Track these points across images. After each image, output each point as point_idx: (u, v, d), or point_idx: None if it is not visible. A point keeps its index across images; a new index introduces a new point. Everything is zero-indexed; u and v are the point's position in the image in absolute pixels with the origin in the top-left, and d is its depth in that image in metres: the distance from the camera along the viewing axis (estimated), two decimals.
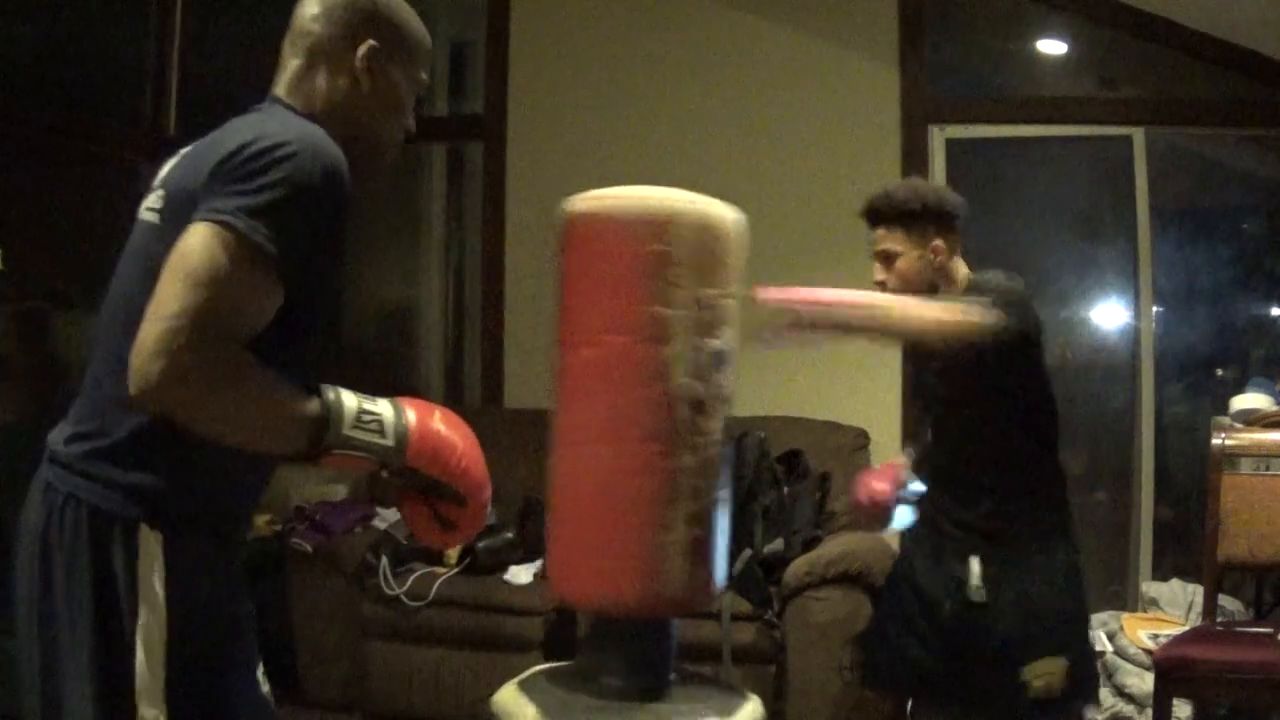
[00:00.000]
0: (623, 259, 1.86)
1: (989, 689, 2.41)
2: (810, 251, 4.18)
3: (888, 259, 2.53)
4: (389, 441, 1.42)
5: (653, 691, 1.90)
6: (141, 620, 1.35)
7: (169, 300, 1.26)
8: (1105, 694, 3.53)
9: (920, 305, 2.22)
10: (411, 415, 1.46)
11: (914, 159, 4.16)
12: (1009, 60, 4.62)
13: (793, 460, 3.73)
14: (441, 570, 3.72)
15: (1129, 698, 3.48)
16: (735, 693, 1.99)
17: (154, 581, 1.36)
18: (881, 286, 2.53)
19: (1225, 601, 3.49)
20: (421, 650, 3.65)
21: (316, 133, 1.41)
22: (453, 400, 4.94)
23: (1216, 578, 3.22)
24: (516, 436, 4.27)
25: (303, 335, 1.44)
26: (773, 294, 2.01)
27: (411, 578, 3.67)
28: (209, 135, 1.48)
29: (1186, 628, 3.41)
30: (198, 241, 1.28)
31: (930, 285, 2.50)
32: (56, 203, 4.44)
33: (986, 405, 2.42)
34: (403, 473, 1.45)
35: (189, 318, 1.24)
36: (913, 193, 2.51)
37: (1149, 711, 3.06)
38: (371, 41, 1.53)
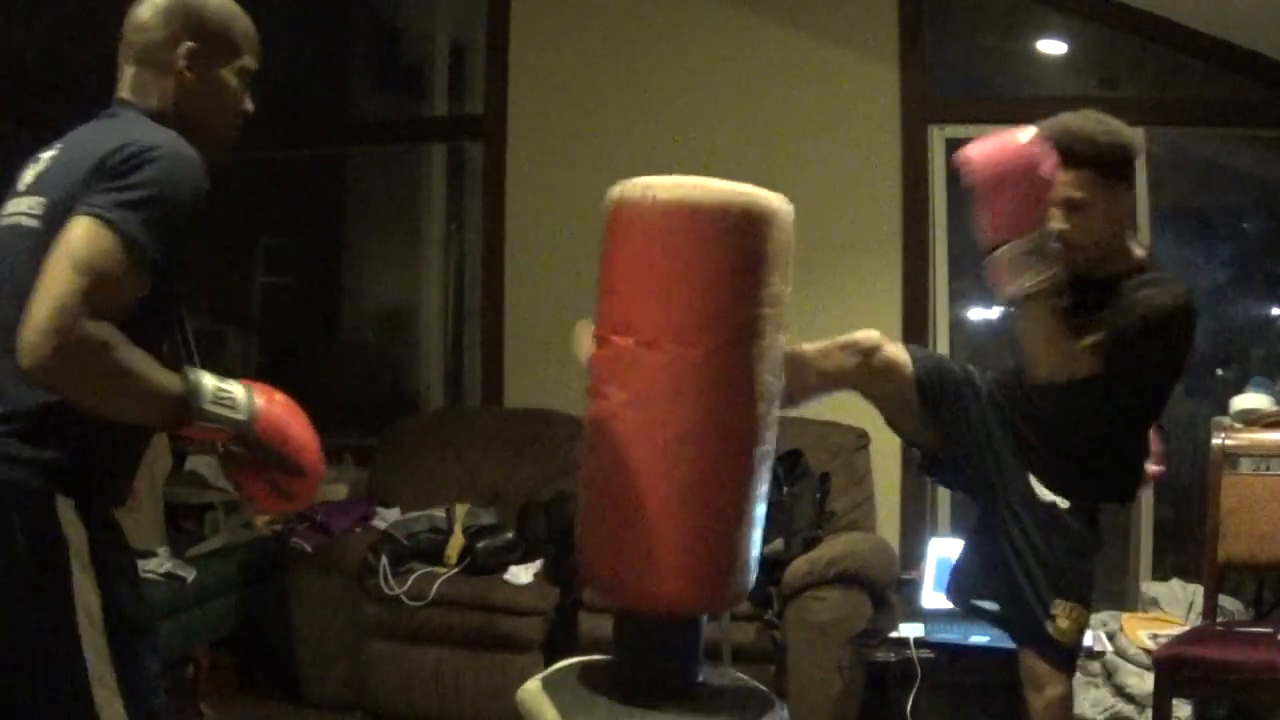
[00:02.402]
0: (724, 255, 1.79)
1: (1026, 604, 2.34)
2: (810, 250, 4.17)
3: (1074, 207, 2.17)
4: (242, 416, 1.57)
5: (679, 692, 1.87)
6: (77, 586, 1.47)
7: (56, 283, 1.39)
8: (1105, 694, 3.53)
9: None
10: (259, 396, 1.61)
11: (914, 159, 4.16)
12: (1009, 60, 4.62)
13: (793, 460, 3.73)
14: (441, 570, 3.72)
15: (1129, 698, 3.48)
16: (760, 696, 1.96)
17: (82, 548, 1.48)
18: (1063, 237, 2.16)
19: (1225, 601, 3.49)
20: (421, 650, 3.65)
21: (176, 136, 1.56)
22: (453, 400, 4.94)
23: (1216, 578, 3.22)
24: (516, 436, 4.28)
25: (160, 319, 1.58)
26: None
27: (411, 578, 3.67)
28: (70, 139, 1.62)
29: (1186, 628, 3.40)
30: (82, 232, 1.43)
31: (1105, 253, 2.22)
32: None
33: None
34: (252, 445, 1.59)
35: (75, 298, 1.38)
36: (1116, 137, 2.18)
37: (1149, 711, 3.06)
38: (189, 43, 1.66)
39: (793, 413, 3.94)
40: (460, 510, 3.89)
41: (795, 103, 4.29)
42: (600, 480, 1.91)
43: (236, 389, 1.58)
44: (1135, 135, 2.25)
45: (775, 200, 1.87)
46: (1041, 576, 2.32)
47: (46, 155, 1.63)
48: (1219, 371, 4.43)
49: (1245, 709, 3.20)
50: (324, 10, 5.33)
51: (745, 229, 1.82)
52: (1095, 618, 3.67)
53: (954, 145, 4.22)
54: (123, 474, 1.64)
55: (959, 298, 4.31)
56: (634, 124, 4.41)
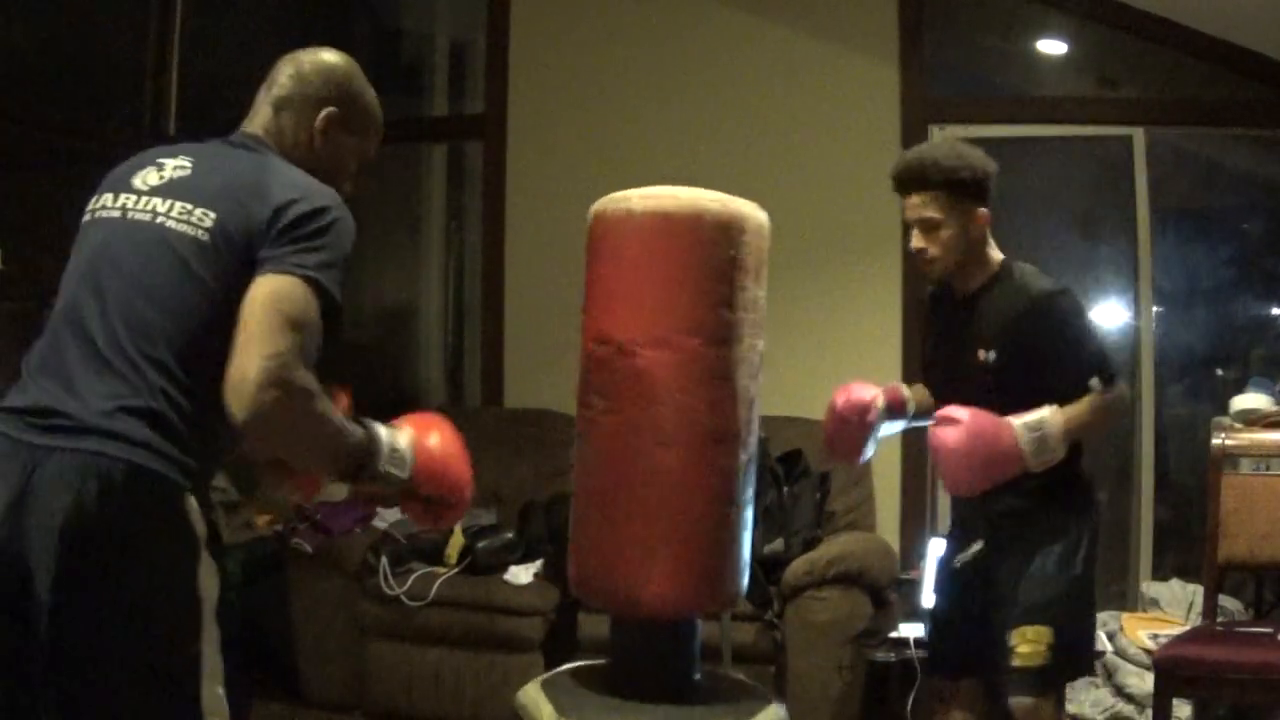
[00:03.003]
0: (697, 262, 1.83)
1: (981, 649, 2.39)
2: (810, 251, 4.18)
3: (930, 226, 2.38)
4: (406, 475, 1.71)
5: (676, 692, 1.89)
6: (201, 577, 1.58)
7: (273, 338, 1.49)
8: (1105, 694, 3.53)
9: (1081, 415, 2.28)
10: (412, 444, 1.74)
11: None
12: (1009, 60, 4.62)
13: (793, 460, 3.73)
14: (441, 570, 3.72)
15: (1129, 698, 3.48)
16: (758, 695, 1.98)
17: (204, 543, 1.59)
18: (922, 254, 2.40)
19: (1225, 601, 3.49)
20: (421, 650, 3.65)
21: (331, 189, 1.68)
22: (453, 400, 4.94)
23: (1216, 578, 3.22)
24: (516, 436, 4.28)
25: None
26: None
27: (411, 578, 3.67)
28: (201, 156, 1.68)
29: (1186, 628, 3.41)
30: (293, 290, 1.55)
31: (964, 258, 2.41)
32: (56, 203, 4.43)
33: (1030, 404, 2.31)
34: (409, 495, 1.76)
35: (291, 355, 1.50)
36: (959, 158, 2.39)
37: (1149, 711, 3.06)
38: (332, 108, 1.78)
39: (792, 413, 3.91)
40: None
41: (795, 103, 4.30)
42: (587, 486, 1.95)
43: (403, 444, 1.71)
44: (986, 162, 2.43)
45: (748, 208, 1.90)
46: (994, 616, 2.37)
47: (171, 163, 1.67)
48: (1219, 371, 4.43)
49: (1245, 709, 3.20)
50: (324, 10, 5.34)
51: (718, 236, 1.87)
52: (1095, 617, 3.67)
53: None
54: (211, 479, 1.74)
55: None
56: (634, 124, 4.42)
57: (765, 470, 3.62)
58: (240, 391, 1.47)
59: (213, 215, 1.60)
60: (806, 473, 3.71)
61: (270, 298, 1.53)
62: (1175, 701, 2.94)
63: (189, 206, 1.61)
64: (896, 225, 4.18)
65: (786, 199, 4.31)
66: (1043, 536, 2.38)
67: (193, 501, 1.57)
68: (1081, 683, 3.57)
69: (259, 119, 1.78)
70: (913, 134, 4.16)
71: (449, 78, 5.15)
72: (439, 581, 3.66)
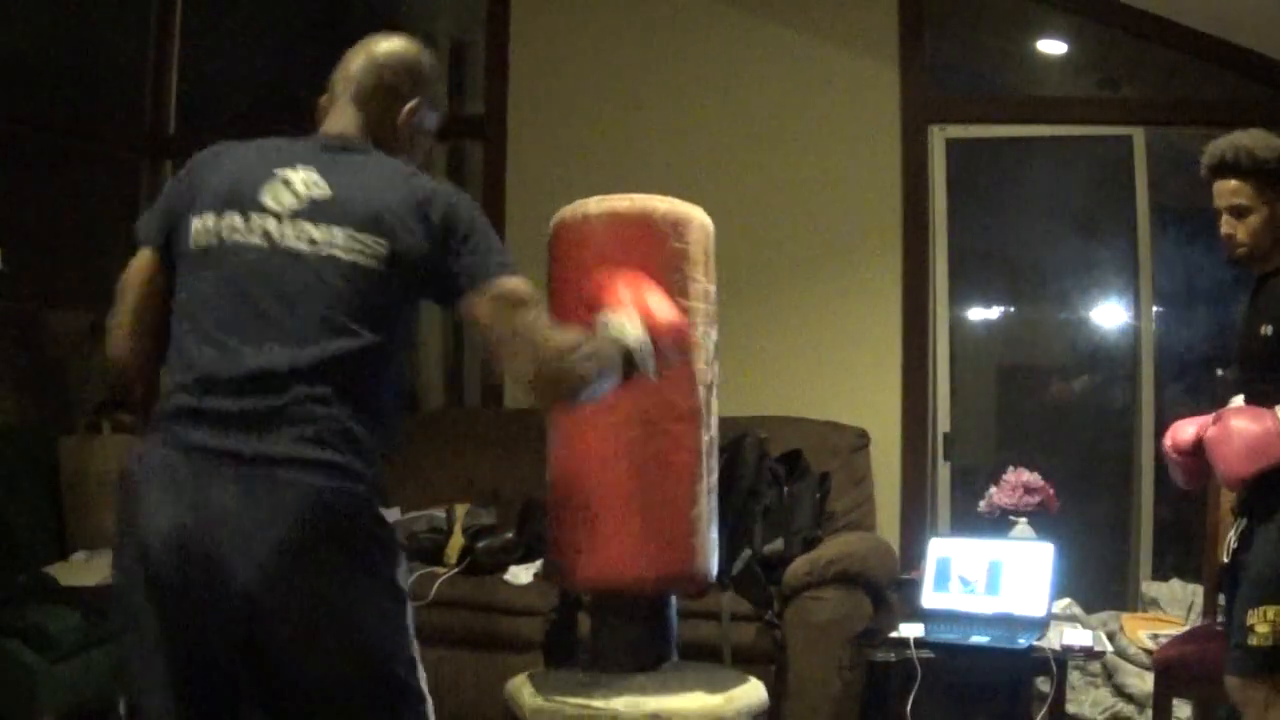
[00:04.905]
0: (647, 255, 1.99)
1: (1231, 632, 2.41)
2: (810, 251, 4.18)
3: (1239, 212, 2.46)
4: (652, 363, 1.76)
5: (650, 668, 1.96)
6: (401, 580, 1.77)
7: (544, 333, 1.65)
8: (1105, 694, 3.54)
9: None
10: (640, 325, 1.78)
11: (914, 159, 4.16)
12: (1009, 60, 4.62)
13: (793, 460, 3.73)
14: (441, 570, 3.72)
15: (1129, 698, 3.48)
16: (734, 675, 2.03)
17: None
18: (1230, 240, 2.49)
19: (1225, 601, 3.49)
20: (421, 650, 3.64)
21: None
22: (453, 400, 4.94)
23: (1216, 578, 3.22)
24: (516, 436, 4.27)
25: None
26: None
27: (411, 578, 3.65)
28: (333, 174, 1.67)
29: (1186, 628, 3.41)
30: (517, 285, 1.67)
31: (1272, 245, 2.48)
32: (56, 203, 4.44)
33: None
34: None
35: (550, 330, 1.67)
36: (1270, 148, 2.44)
37: (1149, 711, 3.07)
38: (414, 100, 1.79)
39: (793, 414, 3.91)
40: (460, 510, 3.89)
41: (795, 103, 4.29)
42: (559, 470, 2.11)
43: (634, 335, 1.75)
44: None
45: (693, 210, 2.10)
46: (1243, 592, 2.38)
47: (298, 178, 1.66)
48: (1219, 371, 4.42)
49: None
50: (324, 10, 5.33)
51: (666, 231, 2.03)
52: (1095, 617, 3.68)
53: (954, 145, 4.26)
54: None
55: (959, 298, 4.31)
56: (633, 124, 4.41)
57: (765, 470, 3.62)
58: (544, 377, 1.62)
59: (387, 245, 1.63)
60: (806, 473, 3.71)
61: (515, 295, 1.65)
62: (1175, 701, 2.94)
63: (352, 232, 1.62)
64: (897, 225, 4.19)
65: (786, 199, 4.34)
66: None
67: (384, 513, 1.68)
68: (1081, 683, 3.57)
69: (344, 117, 1.78)
70: (913, 134, 4.16)
71: (449, 78, 5.14)
72: (439, 581, 3.65)
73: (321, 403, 1.57)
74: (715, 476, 2.05)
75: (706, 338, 2.04)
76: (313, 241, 1.60)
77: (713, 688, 1.91)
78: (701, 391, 2.00)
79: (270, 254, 1.60)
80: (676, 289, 2.02)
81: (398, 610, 1.76)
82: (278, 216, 1.62)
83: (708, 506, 1.99)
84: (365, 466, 1.62)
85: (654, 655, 1.99)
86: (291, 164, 1.66)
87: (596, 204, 2.06)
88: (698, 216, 2.07)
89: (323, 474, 1.56)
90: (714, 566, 2.04)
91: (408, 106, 1.78)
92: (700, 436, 2.00)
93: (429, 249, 1.64)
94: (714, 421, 2.06)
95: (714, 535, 2.05)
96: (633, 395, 1.89)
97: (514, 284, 1.67)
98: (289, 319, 1.58)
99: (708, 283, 2.11)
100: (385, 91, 1.77)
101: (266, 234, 1.61)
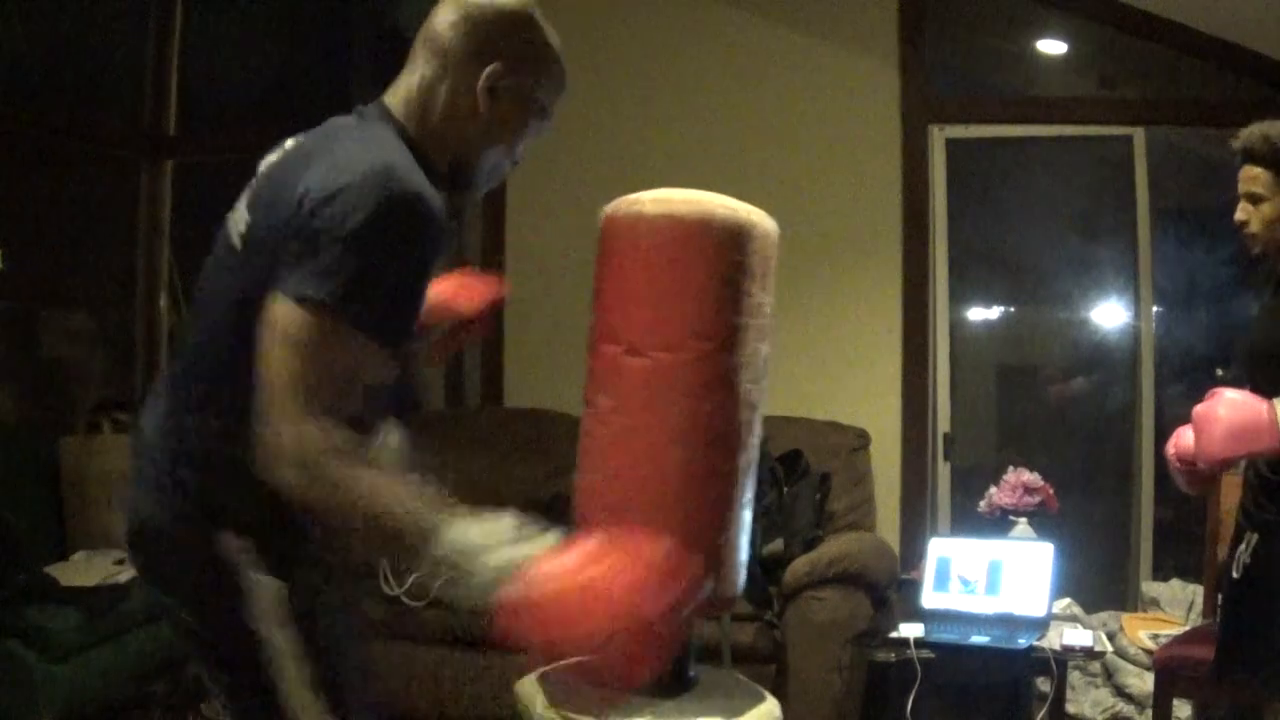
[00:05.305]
0: (706, 267, 1.86)
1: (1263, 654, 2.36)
2: (810, 251, 4.18)
3: (1255, 200, 2.44)
4: (478, 600, 1.28)
5: (669, 687, 1.91)
6: None
7: (281, 396, 1.23)
8: (1105, 694, 3.53)
9: None
10: (519, 568, 1.27)
11: (914, 159, 4.16)
12: (1009, 60, 4.62)
13: (793, 460, 3.73)
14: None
15: (1129, 698, 3.48)
16: (752, 693, 2.00)
17: None
18: (1244, 226, 2.45)
19: None
20: (421, 650, 3.64)
21: (385, 166, 1.30)
22: (452, 400, 4.94)
23: (1216, 578, 3.22)
24: (516, 436, 4.28)
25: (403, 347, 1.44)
26: None
27: (412, 578, 3.66)
28: (303, 140, 1.45)
29: (1186, 628, 3.41)
30: (288, 322, 1.24)
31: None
32: (56, 203, 4.45)
33: None
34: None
35: (309, 424, 1.23)
36: None
37: (1149, 711, 3.06)
38: (498, 64, 1.47)
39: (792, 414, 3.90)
40: None
41: (795, 103, 4.30)
42: (590, 484, 1.97)
43: (496, 560, 1.27)
44: None
45: (756, 215, 1.93)
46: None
47: (284, 152, 1.51)
48: (1219, 371, 4.43)
49: (1245, 709, 3.20)
50: (324, 10, 5.33)
51: (727, 242, 1.89)
52: (1095, 617, 3.68)
53: (954, 145, 4.27)
54: None
55: (959, 298, 4.32)
56: (632, 123, 4.41)
57: (765, 470, 3.62)
58: (265, 466, 1.25)
59: (249, 219, 1.38)
60: (806, 473, 3.71)
61: (272, 332, 1.25)
62: (1175, 701, 2.94)
63: (245, 216, 1.41)
64: (897, 225, 4.19)
65: (786, 199, 4.32)
66: None
67: None
68: (1082, 683, 3.57)
69: (402, 84, 1.50)
70: (913, 134, 4.17)
71: None
72: (439, 581, 3.65)
73: None
74: (751, 495, 1.97)
75: (756, 355, 1.91)
76: (234, 226, 1.51)
77: (730, 713, 1.88)
78: (744, 414, 1.88)
79: (223, 236, 1.55)
80: (731, 304, 1.90)
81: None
82: (243, 203, 1.53)
83: (737, 530, 1.92)
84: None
85: (671, 672, 1.95)
86: (292, 138, 1.59)
87: (653, 203, 1.86)
88: (760, 223, 1.90)
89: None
90: (740, 587, 1.98)
91: (487, 70, 1.50)
92: (738, 460, 1.90)
93: (274, 227, 1.33)
94: (754, 442, 1.91)
95: (743, 557, 1.98)
96: (676, 416, 1.84)
97: (305, 325, 1.23)
98: (209, 312, 1.53)
99: (763, 294, 1.95)
100: (462, 55, 1.51)
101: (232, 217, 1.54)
